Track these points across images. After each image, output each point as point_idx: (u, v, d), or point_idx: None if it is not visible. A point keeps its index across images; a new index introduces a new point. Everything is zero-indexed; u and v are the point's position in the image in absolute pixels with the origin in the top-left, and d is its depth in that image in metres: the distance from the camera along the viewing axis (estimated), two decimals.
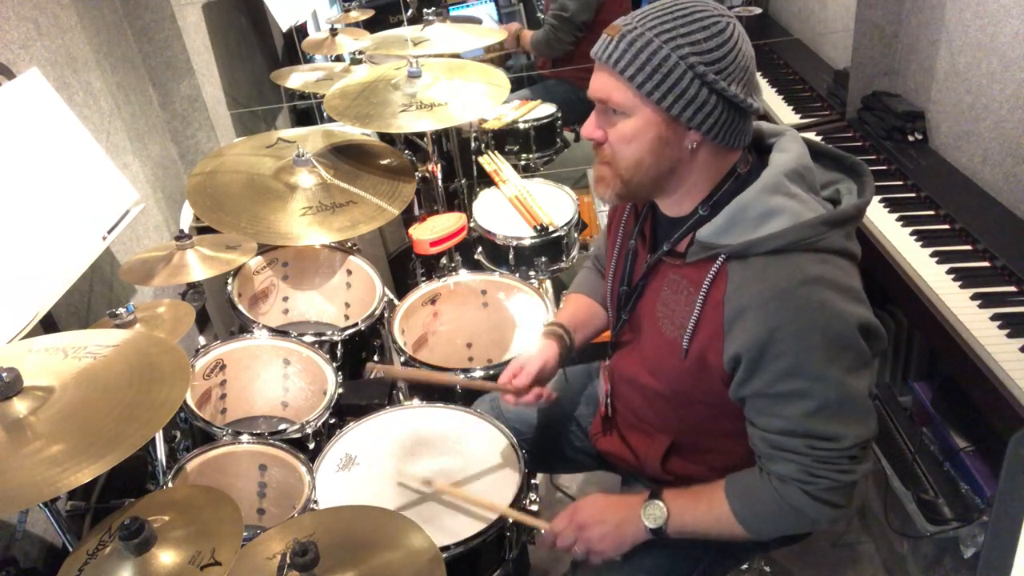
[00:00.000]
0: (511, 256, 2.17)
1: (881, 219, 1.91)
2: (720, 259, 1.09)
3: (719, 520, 1.18)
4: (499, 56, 3.79)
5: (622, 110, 1.08)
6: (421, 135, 2.44)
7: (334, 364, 1.78)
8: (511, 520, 1.36)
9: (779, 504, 1.13)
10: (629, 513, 1.22)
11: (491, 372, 1.74)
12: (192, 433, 1.66)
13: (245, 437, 1.56)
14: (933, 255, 1.77)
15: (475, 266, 2.22)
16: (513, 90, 2.59)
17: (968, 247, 1.78)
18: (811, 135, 2.37)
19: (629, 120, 1.08)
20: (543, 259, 2.17)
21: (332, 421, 1.70)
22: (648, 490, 1.24)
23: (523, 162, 2.78)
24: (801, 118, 2.58)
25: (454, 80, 2.06)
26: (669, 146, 1.09)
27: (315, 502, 1.39)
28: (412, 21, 3.45)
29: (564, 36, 3.14)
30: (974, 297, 1.62)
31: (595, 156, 1.16)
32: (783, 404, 1.08)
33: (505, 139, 2.75)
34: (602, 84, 1.10)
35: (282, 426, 1.66)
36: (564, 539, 1.26)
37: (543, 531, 1.31)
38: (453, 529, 1.33)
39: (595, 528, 1.24)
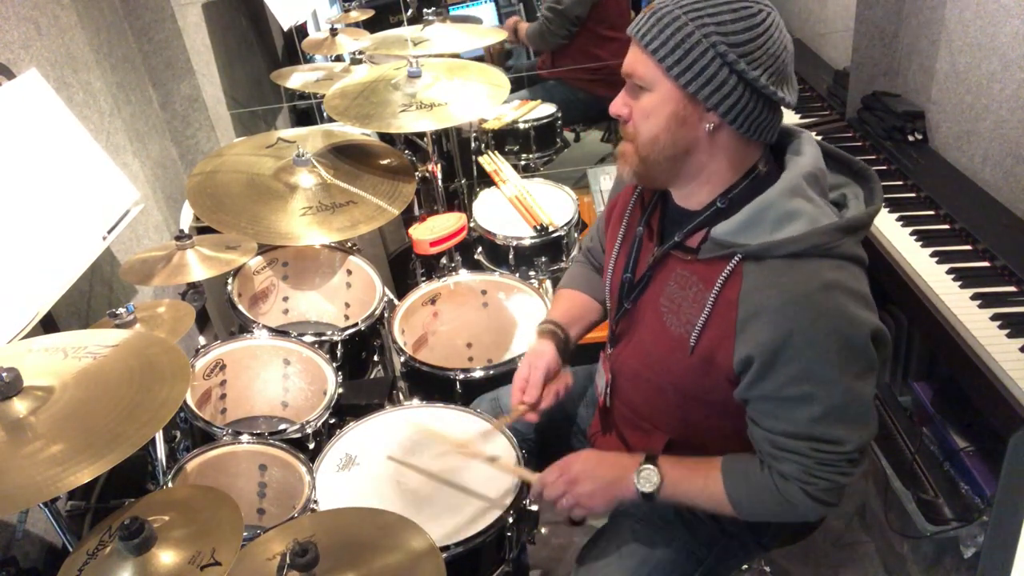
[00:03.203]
0: (511, 256, 2.17)
1: (881, 219, 1.91)
2: (736, 258, 1.08)
3: (712, 497, 1.19)
4: (499, 55, 3.79)
5: (644, 84, 1.08)
6: (421, 135, 2.44)
7: (334, 364, 1.78)
8: (509, 505, 1.35)
9: (776, 497, 1.14)
10: (623, 473, 1.22)
11: (491, 372, 1.74)
12: (192, 433, 1.65)
13: (245, 437, 1.56)
14: (933, 255, 1.77)
15: (475, 266, 2.22)
16: (513, 90, 2.59)
17: (968, 247, 1.78)
18: (809, 133, 2.37)
19: (650, 95, 1.08)
20: (543, 259, 2.17)
21: (332, 421, 1.70)
22: (643, 454, 1.23)
23: (523, 162, 2.79)
24: (801, 118, 2.58)
25: (454, 80, 2.06)
26: (686, 125, 1.08)
27: (315, 502, 1.39)
28: (412, 21, 3.46)
29: (557, 29, 3.14)
30: (974, 297, 1.62)
31: (622, 135, 1.16)
32: (791, 408, 1.08)
33: (505, 139, 2.75)
34: (630, 58, 1.10)
35: (282, 426, 1.66)
36: (553, 491, 1.26)
37: (534, 482, 1.30)
38: (453, 529, 1.33)
39: (586, 483, 1.24)
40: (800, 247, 1.04)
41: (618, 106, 1.14)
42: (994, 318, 1.56)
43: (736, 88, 1.04)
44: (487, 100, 2.02)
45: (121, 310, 1.57)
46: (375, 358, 2.03)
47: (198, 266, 1.73)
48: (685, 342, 1.14)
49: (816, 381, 1.05)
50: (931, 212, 1.93)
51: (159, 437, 1.61)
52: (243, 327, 1.90)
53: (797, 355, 1.04)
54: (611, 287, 1.33)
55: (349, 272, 2.14)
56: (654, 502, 1.22)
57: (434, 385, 1.76)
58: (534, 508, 1.41)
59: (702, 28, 1.02)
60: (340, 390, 1.72)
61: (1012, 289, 1.64)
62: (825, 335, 1.03)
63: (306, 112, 3.73)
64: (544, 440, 1.57)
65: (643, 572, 1.29)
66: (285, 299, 2.13)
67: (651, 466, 1.21)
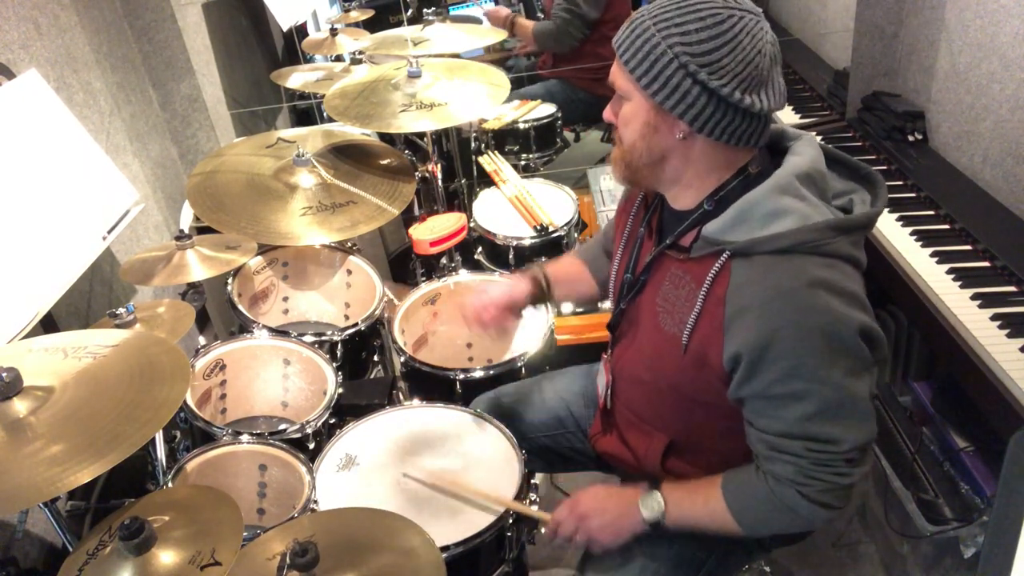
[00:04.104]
0: (511, 256, 2.17)
1: (881, 219, 1.90)
2: (724, 255, 1.09)
3: (715, 515, 1.19)
4: (499, 56, 3.79)
5: (623, 94, 1.12)
6: (421, 135, 2.44)
7: (334, 364, 1.78)
8: (513, 512, 1.36)
9: (774, 503, 1.14)
10: (628, 505, 1.24)
11: (491, 372, 1.74)
12: (192, 433, 1.66)
13: (245, 437, 1.56)
14: (933, 255, 1.77)
15: (475, 266, 2.22)
16: (513, 90, 2.59)
17: (968, 247, 1.78)
18: (811, 135, 2.37)
19: (629, 104, 1.12)
20: (543, 259, 2.17)
21: (332, 421, 1.70)
22: (647, 482, 1.26)
23: (523, 162, 2.79)
24: (801, 118, 2.58)
25: (454, 80, 2.06)
26: (658, 133, 1.10)
27: (315, 502, 1.39)
28: (412, 21, 3.46)
29: (575, 31, 3.12)
30: (974, 297, 1.62)
31: (614, 140, 1.20)
32: (782, 406, 1.08)
33: (505, 139, 2.76)
34: (612, 69, 1.14)
35: (282, 426, 1.66)
36: (565, 529, 1.29)
37: (546, 524, 1.33)
38: (453, 529, 1.32)
39: (596, 518, 1.27)
40: (788, 243, 1.04)
41: (609, 113, 1.18)
42: (994, 318, 1.56)
43: (700, 98, 1.04)
44: (487, 100, 2.02)
45: (121, 310, 1.57)
46: (375, 358, 2.03)
47: (198, 266, 1.73)
48: (678, 341, 1.15)
49: (805, 378, 1.05)
50: (931, 212, 1.93)
51: (159, 437, 1.61)
52: (243, 327, 1.90)
53: (784, 352, 1.04)
54: (614, 287, 1.33)
55: (349, 272, 2.14)
56: (661, 528, 1.23)
57: (434, 385, 1.76)
58: (535, 508, 1.41)
59: (667, 39, 1.04)
60: (340, 390, 1.72)
61: (1012, 289, 1.64)
62: (810, 331, 1.03)
63: (306, 112, 3.73)
64: (544, 438, 1.57)
65: (646, 574, 1.28)
66: (285, 299, 2.13)
67: (654, 492, 1.23)
